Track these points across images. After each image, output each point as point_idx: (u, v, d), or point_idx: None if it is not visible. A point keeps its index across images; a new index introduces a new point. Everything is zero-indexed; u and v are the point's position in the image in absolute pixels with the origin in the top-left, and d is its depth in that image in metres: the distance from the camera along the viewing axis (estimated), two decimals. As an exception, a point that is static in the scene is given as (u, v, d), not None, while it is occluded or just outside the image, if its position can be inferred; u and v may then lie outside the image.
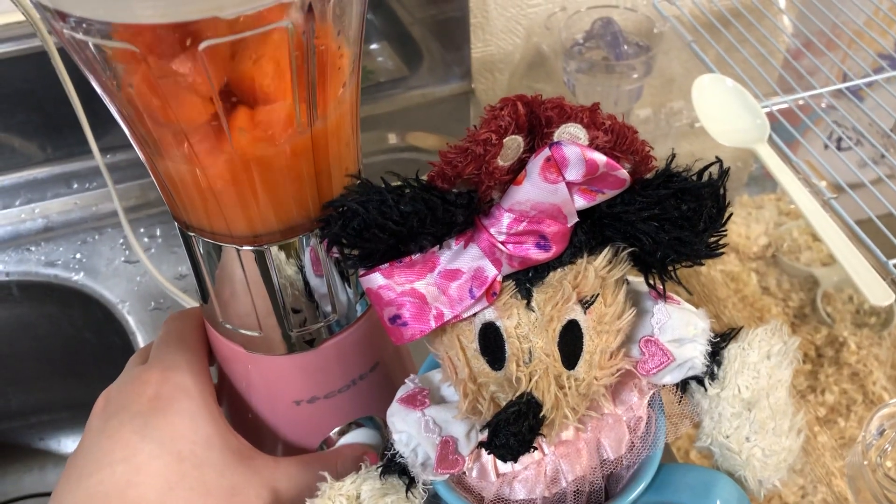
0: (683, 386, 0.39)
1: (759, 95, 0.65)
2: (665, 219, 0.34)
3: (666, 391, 0.39)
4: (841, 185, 0.60)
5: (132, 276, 0.72)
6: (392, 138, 0.80)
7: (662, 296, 0.38)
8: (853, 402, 0.80)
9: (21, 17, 0.68)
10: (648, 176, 0.35)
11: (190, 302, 0.64)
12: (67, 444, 0.85)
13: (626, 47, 0.70)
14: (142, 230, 0.75)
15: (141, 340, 0.67)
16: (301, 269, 0.38)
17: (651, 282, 0.38)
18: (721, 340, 0.39)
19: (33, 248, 0.75)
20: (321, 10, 0.28)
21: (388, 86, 0.83)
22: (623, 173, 0.33)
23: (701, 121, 0.61)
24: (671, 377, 0.38)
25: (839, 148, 0.84)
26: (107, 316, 0.71)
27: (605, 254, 0.36)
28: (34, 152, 0.77)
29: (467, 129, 0.34)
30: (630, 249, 0.36)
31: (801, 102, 0.66)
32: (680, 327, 0.38)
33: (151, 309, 0.69)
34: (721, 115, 0.60)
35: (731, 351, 0.39)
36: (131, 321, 0.68)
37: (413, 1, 0.78)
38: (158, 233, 0.75)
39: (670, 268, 0.37)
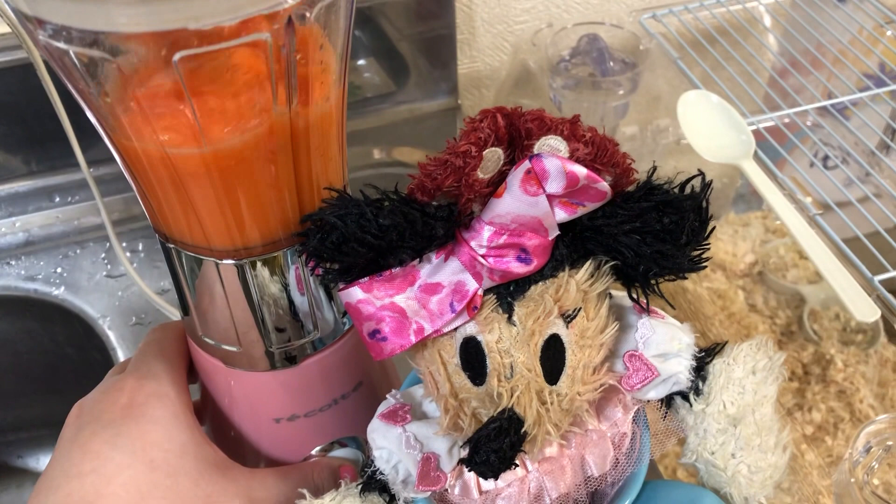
0: (668, 401, 0.39)
1: (745, 112, 0.65)
2: (647, 232, 0.34)
3: (650, 407, 0.39)
4: (827, 203, 0.60)
5: (113, 291, 0.71)
6: (378, 153, 0.80)
7: (646, 310, 0.38)
8: (840, 420, 0.80)
9: (2, 30, 0.68)
10: (630, 189, 0.35)
11: (174, 316, 0.63)
12: (46, 462, 0.82)
13: (612, 64, 0.70)
14: (124, 244, 0.74)
15: (122, 356, 0.67)
16: (283, 284, 0.37)
17: (634, 296, 0.37)
18: (706, 355, 0.39)
19: (13, 262, 0.75)
20: (302, 23, 0.28)
21: (375, 101, 0.83)
22: (604, 186, 0.33)
23: (686, 137, 0.61)
24: (656, 392, 0.38)
25: (825, 166, 0.84)
26: (87, 331, 0.70)
27: (587, 267, 0.35)
28: (16, 165, 0.77)
29: (447, 140, 0.33)
30: (612, 263, 0.36)
31: (786, 120, 0.66)
32: (664, 342, 0.38)
33: (132, 324, 0.69)
34: (706, 131, 0.60)
35: (716, 366, 0.39)
36: (112, 336, 0.68)
37: (400, 17, 0.78)
38: (141, 247, 0.74)
39: (653, 281, 0.36)
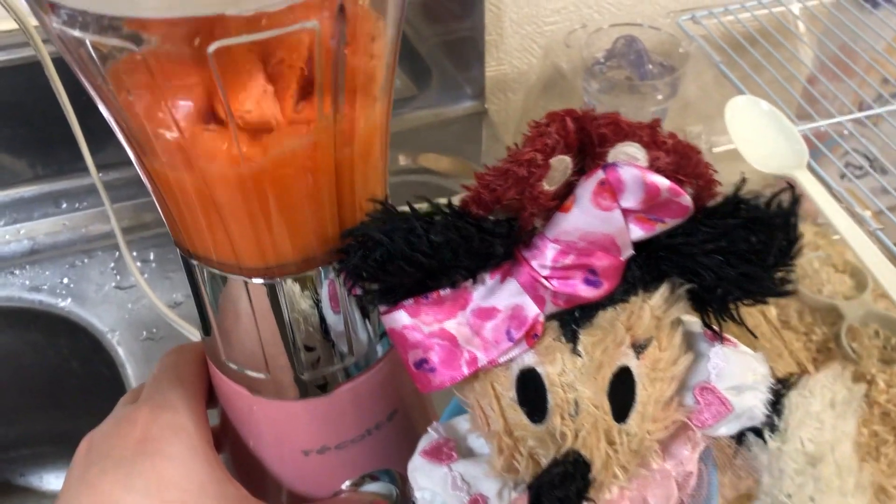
0: (740, 438, 0.36)
1: (792, 117, 0.62)
2: (731, 252, 0.31)
3: (719, 443, 0.36)
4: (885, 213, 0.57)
5: (123, 303, 0.68)
6: (402, 159, 0.77)
7: (719, 337, 0.35)
8: (883, 443, 0.76)
9: (9, 26, 0.66)
10: (712, 203, 0.31)
11: (188, 331, 0.60)
12: (50, 480, 0.81)
13: (650, 67, 0.66)
14: (134, 253, 0.71)
15: (131, 372, 0.63)
16: (317, 305, 0.34)
17: (708, 322, 0.34)
18: (782, 387, 0.36)
19: (17, 272, 0.72)
20: (354, 10, 0.24)
21: (396, 105, 0.79)
22: (687, 200, 0.30)
23: (736, 145, 0.58)
24: (727, 428, 0.35)
25: (855, 175, 0.81)
26: (95, 345, 0.67)
27: (662, 291, 0.32)
28: (21, 169, 0.74)
29: (508, 147, 0.30)
30: (688, 286, 0.33)
31: (833, 125, 0.63)
32: (738, 373, 0.35)
33: (143, 339, 0.66)
34: (756, 139, 0.57)
35: (792, 399, 0.36)
36: (121, 352, 0.65)
37: (422, 18, 0.75)
38: (152, 257, 0.72)
39: (731, 306, 0.33)
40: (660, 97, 0.67)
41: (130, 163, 0.30)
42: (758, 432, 0.35)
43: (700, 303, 0.34)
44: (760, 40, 0.71)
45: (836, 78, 0.73)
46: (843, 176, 0.80)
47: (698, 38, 0.69)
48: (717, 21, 0.72)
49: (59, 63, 0.48)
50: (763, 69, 0.70)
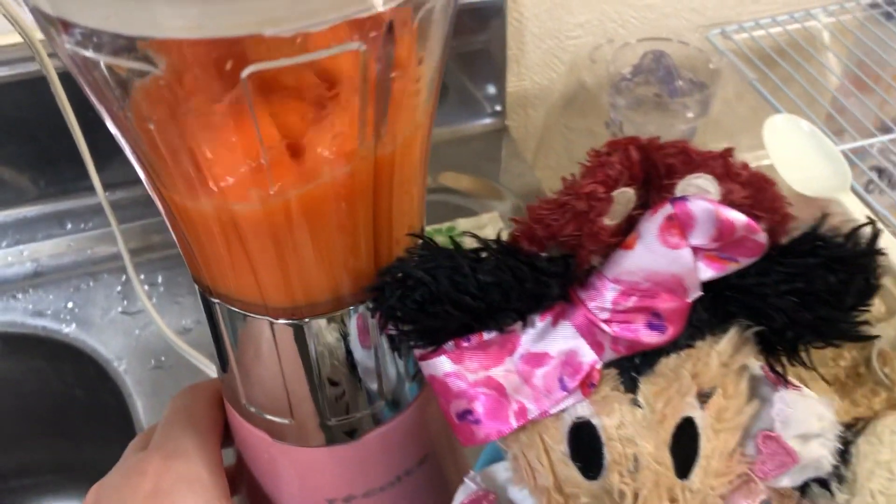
0: (804, 489, 0.33)
1: (829, 134, 0.59)
2: (808, 293, 0.28)
3: (781, 493, 0.33)
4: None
5: (130, 330, 0.66)
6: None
7: (784, 381, 0.32)
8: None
9: (13, 40, 0.64)
10: (785, 240, 0.29)
11: (199, 360, 0.57)
12: None
13: (680, 83, 0.64)
14: (142, 277, 0.69)
15: (139, 403, 0.61)
16: (346, 348, 0.31)
17: (774, 366, 0.31)
18: (849, 434, 0.33)
19: (20, 296, 0.70)
20: (402, 31, 0.22)
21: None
22: (763, 237, 0.27)
23: (776, 167, 0.55)
24: (791, 479, 0.32)
25: (867, 190, 0.78)
26: (100, 373, 0.64)
27: (731, 336, 0.29)
28: (25, 188, 0.73)
29: (563, 179, 0.27)
30: (756, 329, 0.30)
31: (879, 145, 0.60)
32: (804, 420, 0.32)
33: (152, 367, 0.63)
34: (797, 160, 0.54)
35: (860, 447, 0.34)
36: (128, 381, 0.62)
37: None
38: (160, 280, 0.69)
39: (801, 350, 0.30)
40: (690, 115, 0.64)
41: (138, 181, 0.28)
42: (823, 483, 0.33)
43: (766, 345, 0.31)
44: (792, 54, 0.68)
45: (869, 91, 0.71)
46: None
47: (729, 52, 0.66)
48: (747, 35, 0.69)
49: (65, 78, 0.46)
50: (791, 84, 0.68)
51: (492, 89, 0.77)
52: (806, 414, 0.32)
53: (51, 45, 0.23)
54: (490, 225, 0.67)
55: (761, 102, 0.66)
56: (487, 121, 0.79)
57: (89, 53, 0.21)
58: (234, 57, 0.20)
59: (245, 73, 0.20)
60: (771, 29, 0.70)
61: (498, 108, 0.78)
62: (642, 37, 0.68)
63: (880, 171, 0.68)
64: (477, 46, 0.74)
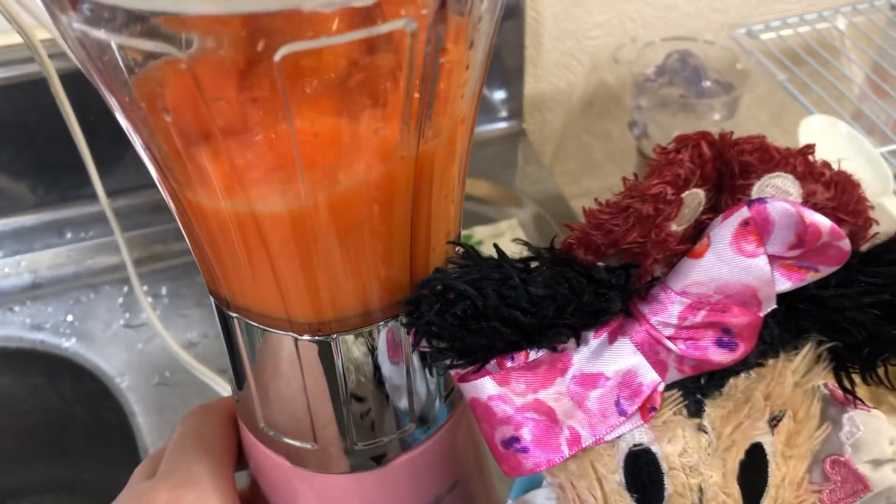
0: None
1: (865, 135, 0.56)
2: (891, 305, 0.25)
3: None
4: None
5: (132, 344, 0.64)
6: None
7: (854, 402, 0.29)
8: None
9: (10, 41, 0.62)
10: (866, 247, 0.26)
11: (206, 375, 0.55)
12: None
13: (707, 84, 0.61)
14: (145, 288, 0.66)
15: (142, 421, 0.59)
16: (376, 367, 0.29)
17: (847, 384, 0.29)
18: (923, 458, 0.30)
19: (17, 309, 0.68)
20: (455, 6, 0.19)
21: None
22: (847, 244, 0.25)
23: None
24: None
25: None
26: (101, 390, 0.63)
27: (805, 353, 0.27)
28: (22, 195, 0.72)
29: (624, 179, 0.24)
30: (831, 345, 0.27)
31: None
32: (876, 443, 0.30)
33: (156, 384, 0.61)
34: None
35: None
36: (131, 398, 0.61)
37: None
38: (164, 291, 0.67)
39: (881, 368, 0.28)
40: (717, 117, 0.62)
41: (139, 188, 0.25)
42: (896, 513, 0.30)
43: (839, 362, 0.28)
44: (821, 52, 0.66)
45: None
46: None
47: (757, 52, 0.64)
48: (774, 35, 0.67)
49: (66, 79, 0.44)
50: (819, 82, 0.65)
51: (508, 92, 0.76)
52: (877, 437, 0.30)
53: (56, 28, 0.20)
54: (508, 233, 0.64)
55: (788, 104, 0.63)
56: (503, 124, 0.77)
57: (100, 34, 0.18)
58: (265, 36, 0.17)
59: (279, 55, 0.17)
60: (799, 28, 0.67)
61: (514, 111, 0.76)
62: (665, 36, 0.66)
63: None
64: (494, 49, 0.72)
